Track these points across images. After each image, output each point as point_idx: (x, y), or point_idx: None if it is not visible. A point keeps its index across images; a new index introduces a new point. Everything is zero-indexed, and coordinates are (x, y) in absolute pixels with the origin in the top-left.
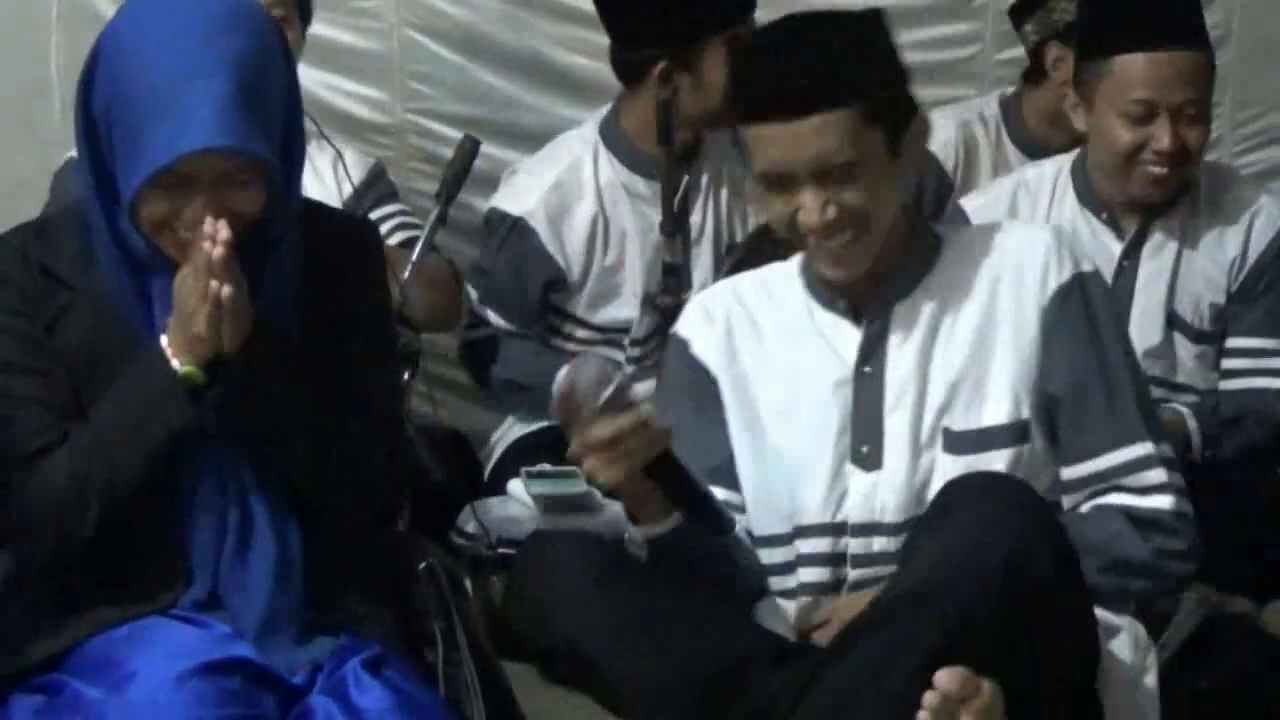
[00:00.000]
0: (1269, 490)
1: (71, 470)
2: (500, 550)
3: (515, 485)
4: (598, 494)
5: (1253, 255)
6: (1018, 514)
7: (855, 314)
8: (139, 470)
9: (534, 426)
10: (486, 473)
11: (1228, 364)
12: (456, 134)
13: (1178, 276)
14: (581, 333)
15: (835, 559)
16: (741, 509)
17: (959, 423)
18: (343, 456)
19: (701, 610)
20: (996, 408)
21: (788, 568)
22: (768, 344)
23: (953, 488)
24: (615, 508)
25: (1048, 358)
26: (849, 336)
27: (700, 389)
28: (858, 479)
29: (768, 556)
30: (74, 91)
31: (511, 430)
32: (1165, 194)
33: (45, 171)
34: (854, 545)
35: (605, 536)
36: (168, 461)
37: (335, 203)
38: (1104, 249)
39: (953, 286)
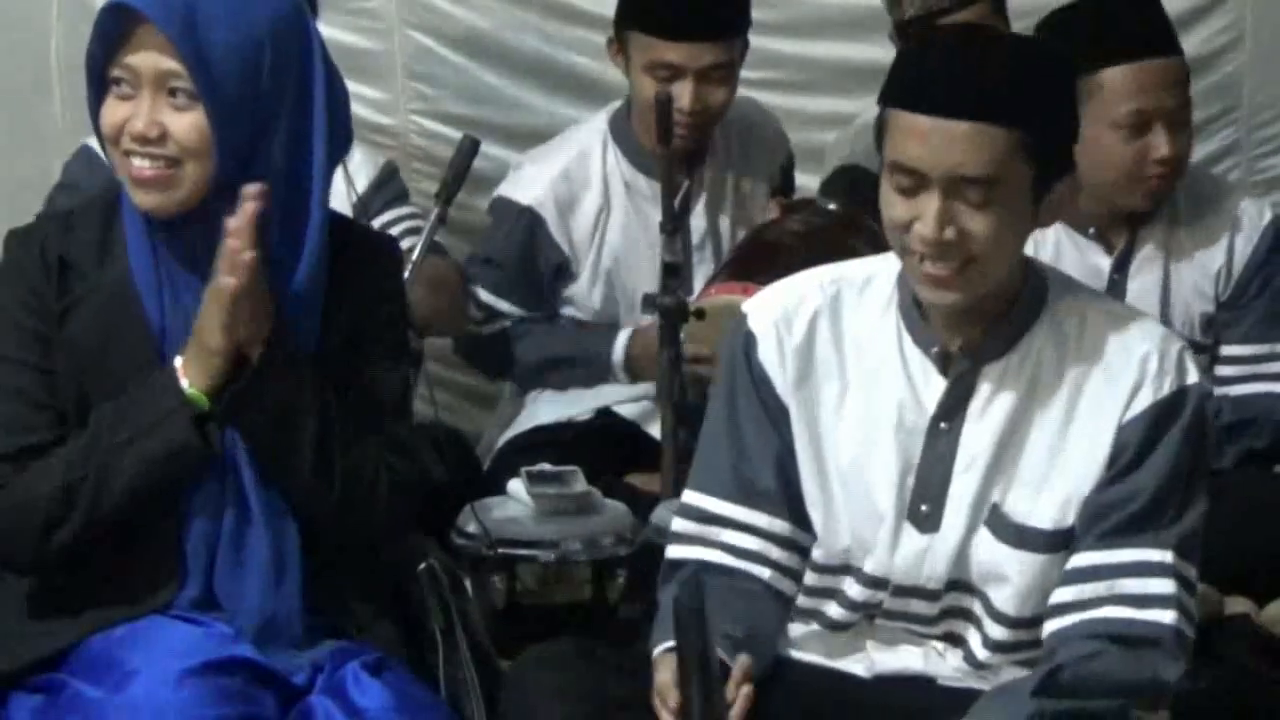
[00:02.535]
0: (1269, 491)
1: (63, 475)
2: (500, 550)
3: (515, 485)
4: (597, 494)
5: (1239, 263)
6: None
7: (944, 362)
8: (130, 483)
9: (529, 426)
10: (485, 472)
11: (1223, 371)
12: (458, 135)
13: (1169, 289)
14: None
15: (868, 608)
16: (782, 538)
17: (1009, 507)
18: (348, 483)
19: None
20: (1046, 511)
21: (825, 594)
22: (848, 367)
23: None
24: (615, 508)
25: (1112, 474)
26: (932, 384)
27: (766, 401)
28: (910, 538)
29: (811, 578)
30: (74, 90)
31: (511, 429)
32: (1158, 203)
33: (47, 170)
34: (890, 603)
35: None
36: (162, 483)
37: (344, 204)
38: (1093, 266)
39: (1045, 362)
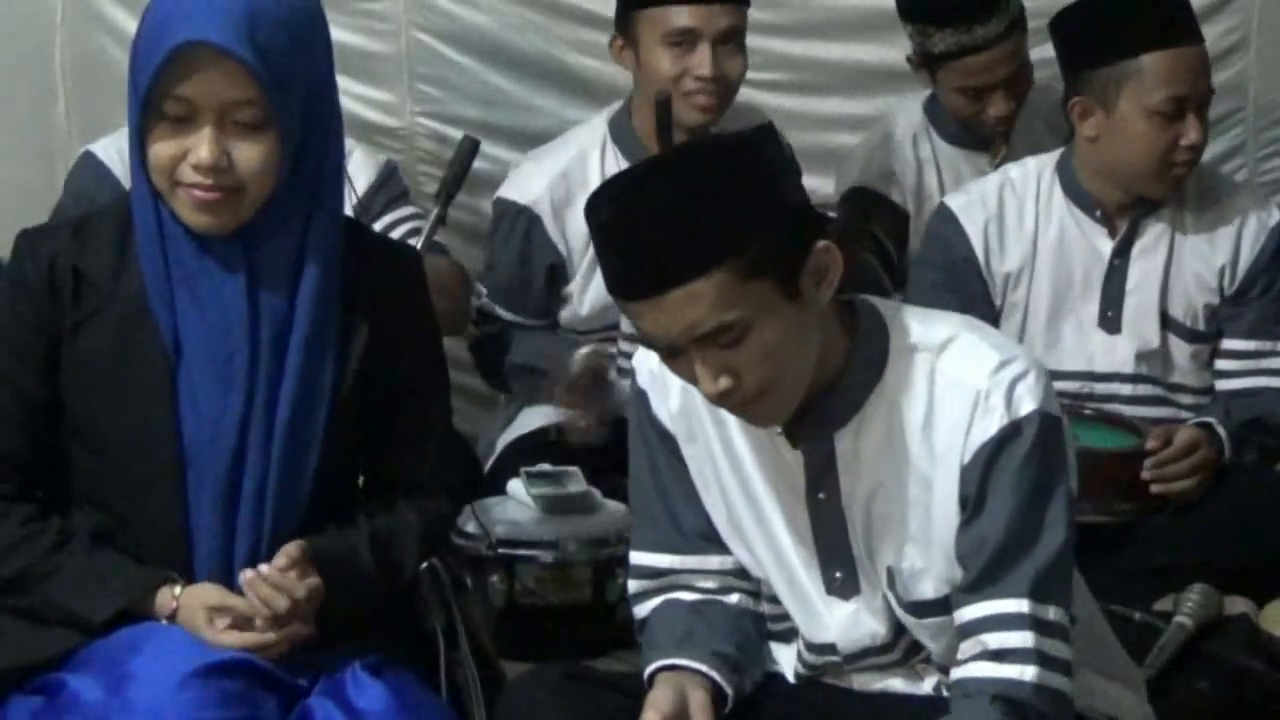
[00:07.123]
0: (1269, 491)
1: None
2: (500, 550)
3: (515, 485)
4: (597, 494)
5: (1245, 258)
6: None
7: (792, 437)
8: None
9: (531, 427)
10: (485, 472)
11: (1224, 365)
12: None
13: (1169, 276)
14: (578, 323)
15: (830, 668)
16: (738, 570)
17: (903, 582)
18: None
19: None
20: (934, 581)
21: (787, 618)
22: (727, 431)
23: None
24: (615, 508)
25: (963, 521)
26: (793, 459)
27: (669, 450)
28: (837, 608)
29: (768, 608)
30: (79, 95)
31: (510, 430)
32: (1176, 190)
33: (52, 175)
34: (849, 665)
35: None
36: None
37: (345, 205)
38: (1095, 249)
39: (897, 415)
